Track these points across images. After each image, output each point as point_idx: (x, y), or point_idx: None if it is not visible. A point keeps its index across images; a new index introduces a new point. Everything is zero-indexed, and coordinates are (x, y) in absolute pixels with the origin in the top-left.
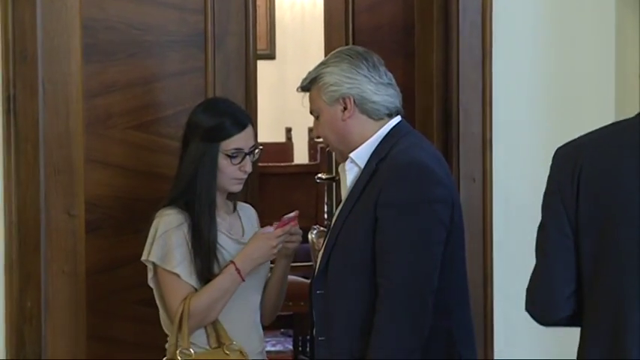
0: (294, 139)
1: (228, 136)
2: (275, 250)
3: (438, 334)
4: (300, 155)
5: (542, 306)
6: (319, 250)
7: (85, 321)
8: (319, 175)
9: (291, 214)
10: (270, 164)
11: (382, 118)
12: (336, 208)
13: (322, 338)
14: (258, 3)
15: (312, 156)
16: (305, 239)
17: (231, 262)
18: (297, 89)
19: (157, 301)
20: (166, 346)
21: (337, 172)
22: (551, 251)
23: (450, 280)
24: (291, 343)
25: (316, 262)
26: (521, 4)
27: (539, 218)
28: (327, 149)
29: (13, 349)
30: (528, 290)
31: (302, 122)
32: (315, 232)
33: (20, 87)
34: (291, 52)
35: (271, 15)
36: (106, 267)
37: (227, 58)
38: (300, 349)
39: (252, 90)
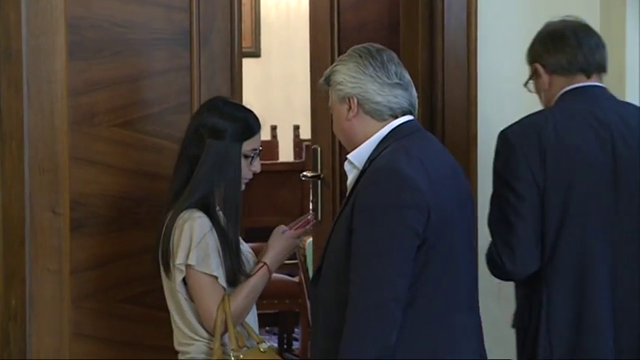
0: (279, 137)
1: (251, 135)
2: (294, 250)
3: (416, 340)
4: (286, 153)
5: (523, 263)
6: (304, 249)
7: (70, 319)
8: (304, 173)
9: (309, 217)
10: None
11: (385, 119)
12: (322, 207)
13: (312, 338)
14: (243, 1)
15: (297, 154)
16: None
17: (264, 262)
18: (321, 85)
19: (182, 305)
20: (180, 347)
21: (323, 170)
22: (528, 214)
23: (431, 286)
24: (277, 340)
25: (301, 260)
26: (506, 1)
27: None
28: (313, 147)
29: None
30: (506, 250)
31: (287, 120)
32: None
33: (5, 85)
34: (276, 50)
35: (256, 13)
36: (91, 265)
37: (212, 56)
38: (285, 346)
39: (238, 88)
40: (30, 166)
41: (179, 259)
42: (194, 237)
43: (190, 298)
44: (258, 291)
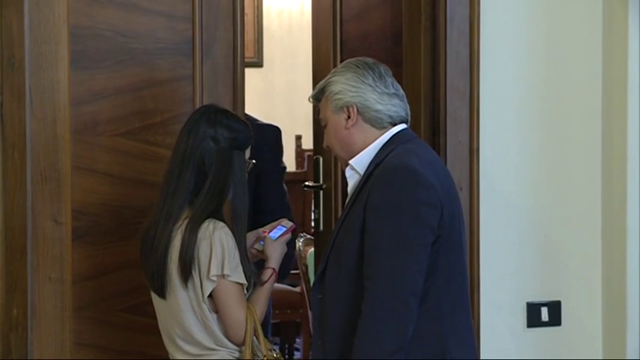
0: None
1: (250, 143)
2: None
3: (428, 336)
4: (288, 163)
5: None
6: (306, 259)
7: (71, 328)
8: (307, 183)
9: (291, 224)
10: None
11: (385, 127)
12: (324, 217)
13: (319, 342)
14: (245, 11)
15: (299, 164)
16: (291, 248)
17: (273, 269)
18: (309, 99)
19: (207, 315)
20: (193, 358)
21: (325, 181)
22: None
23: (441, 283)
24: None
25: (303, 270)
26: (508, 12)
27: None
28: (315, 157)
29: None
30: None
31: (289, 130)
32: (302, 240)
33: (7, 94)
34: (279, 60)
35: (259, 23)
36: (93, 274)
37: (215, 65)
38: (286, 356)
39: (240, 98)
40: (32, 175)
41: (214, 270)
42: (226, 247)
43: (214, 309)
44: (269, 296)
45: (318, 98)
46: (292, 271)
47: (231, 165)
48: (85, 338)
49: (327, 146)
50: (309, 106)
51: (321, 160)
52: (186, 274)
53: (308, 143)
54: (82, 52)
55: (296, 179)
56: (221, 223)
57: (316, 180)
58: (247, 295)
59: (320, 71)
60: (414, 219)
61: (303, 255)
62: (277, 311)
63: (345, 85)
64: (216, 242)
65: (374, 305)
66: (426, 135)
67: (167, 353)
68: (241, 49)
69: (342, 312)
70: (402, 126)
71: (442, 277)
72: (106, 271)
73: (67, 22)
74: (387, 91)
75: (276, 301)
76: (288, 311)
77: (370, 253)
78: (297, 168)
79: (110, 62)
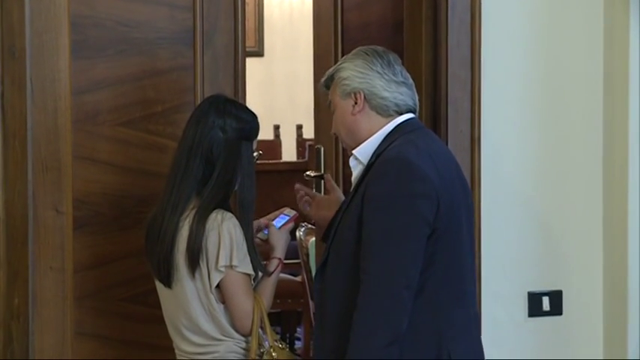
0: (282, 137)
1: (258, 134)
2: None
3: (424, 330)
4: (289, 153)
5: None
6: (307, 248)
7: (73, 317)
8: (307, 172)
9: (294, 213)
10: (258, 162)
11: (391, 115)
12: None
13: (319, 331)
14: (246, 0)
15: (300, 153)
16: (293, 237)
17: (279, 259)
18: (320, 86)
19: (214, 306)
20: (199, 349)
21: (326, 170)
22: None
23: (438, 276)
24: None
25: (304, 259)
26: (510, 1)
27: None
28: (316, 147)
29: (0, 345)
30: None
31: (290, 120)
32: (303, 229)
33: (8, 83)
34: (280, 50)
35: (260, 12)
36: (94, 264)
37: (216, 55)
38: (287, 346)
39: (241, 87)
40: (33, 165)
41: (222, 261)
42: (234, 238)
43: (221, 299)
44: (275, 286)
45: (327, 85)
46: (293, 261)
47: (239, 155)
48: (86, 327)
49: (335, 133)
50: (310, 96)
51: (322, 149)
52: (193, 264)
53: (309, 132)
54: (82, 42)
55: (297, 169)
56: (229, 214)
57: (317, 169)
58: (254, 286)
59: (321, 61)
60: (408, 212)
61: (304, 244)
62: (278, 300)
63: (353, 71)
64: (225, 233)
65: (368, 298)
66: (427, 125)
67: (169, 342)
68: (242, 39)
69: (340, 302)
70: (409, 115)
71: (440, 271)
72: (107, 260)
73: (67, 12)
74: (395, 79)
75: (277, 291)
76: (290, 301)
77: (366, 246)
78: (298, 157)
79: (111, 52)
